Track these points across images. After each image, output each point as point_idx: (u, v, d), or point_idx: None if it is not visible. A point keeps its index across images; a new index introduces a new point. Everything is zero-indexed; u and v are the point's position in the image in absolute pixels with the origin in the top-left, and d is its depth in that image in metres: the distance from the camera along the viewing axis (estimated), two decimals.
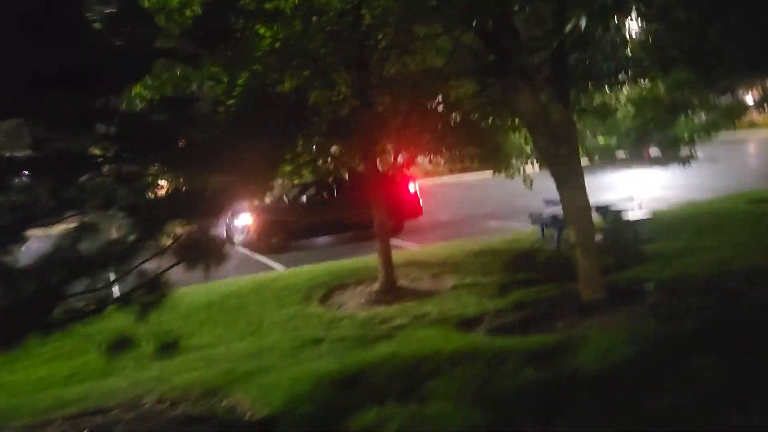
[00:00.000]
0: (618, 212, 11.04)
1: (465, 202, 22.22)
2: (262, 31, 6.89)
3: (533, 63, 5.88)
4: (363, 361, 4.91)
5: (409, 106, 7.91)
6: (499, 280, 8.91)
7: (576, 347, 4.53)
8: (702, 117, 13.90)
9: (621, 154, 33.00)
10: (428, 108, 7.95)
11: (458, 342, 5.26)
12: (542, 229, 11.56)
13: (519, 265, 9.83)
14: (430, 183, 29.94)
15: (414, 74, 7.55)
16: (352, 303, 8.71)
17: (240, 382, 4.86)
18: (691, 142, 18.30)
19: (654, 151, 32.71)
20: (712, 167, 26.71)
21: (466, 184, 29.53)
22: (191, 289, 10.17)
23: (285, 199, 15.26)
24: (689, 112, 12.91)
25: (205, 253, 3.68)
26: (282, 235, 14.96)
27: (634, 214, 11.11)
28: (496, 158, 10.51)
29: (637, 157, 32.14)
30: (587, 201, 6.18)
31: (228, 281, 10.08)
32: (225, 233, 15.23)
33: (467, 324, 6.71)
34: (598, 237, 11.09)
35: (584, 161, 11.59)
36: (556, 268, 9.32)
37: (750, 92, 13.12)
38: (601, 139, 30.88)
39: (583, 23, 4.99)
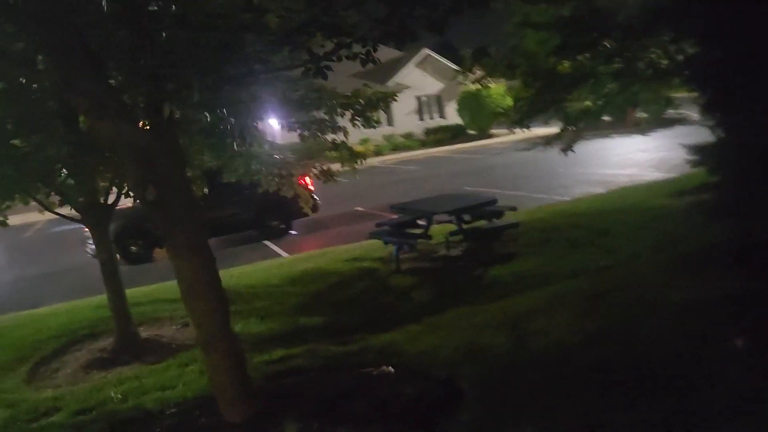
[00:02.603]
0: (471, 219, 8.71)
1: (393, 188, 19.85)
2: None
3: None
4: None
5: None
6: (280, 328, 6.78)
7: None
8: None
9: (607, 118, 30.02)
10: None
11: None
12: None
13: (331, 298, 7.64)
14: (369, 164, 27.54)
15: None
16: (71, 368, 6.64)
17: None
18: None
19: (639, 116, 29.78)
20: (692, 136, 23.72)
21: (418, 159, 26.96)
22: None
23: None
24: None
25: None
26: (143, 243, 12.91)
27: (495, 219, 8.75)
28: None
29: (621, 121, 29.16)
30: (206, 269, 3.94)
31: None
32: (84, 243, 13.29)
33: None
34: (458, 251, 8.88)
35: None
36: (370, 303, 7.19)
37: None
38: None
39: None
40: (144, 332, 7.33)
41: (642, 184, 13.16)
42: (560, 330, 4.94)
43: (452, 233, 8.74)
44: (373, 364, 5.15)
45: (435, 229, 9.28)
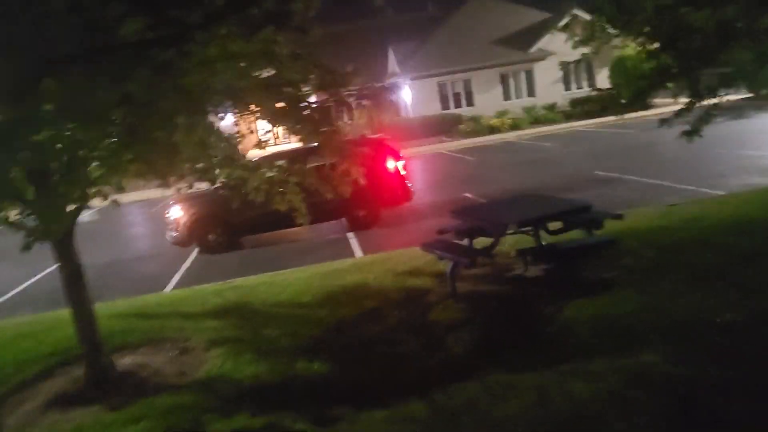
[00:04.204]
0: (564, 227, 6.56)
1: (517, 169, 17.46)
2: None
3: None
4: None
5: None
6: (270, 376, 5.32)
7: None
8: None
9: None
10: None
11: None
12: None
13: (352, 334, 6.00)
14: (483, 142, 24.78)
15: None
16: (34, 404, 5.66)
17: None
18: None
19: None
20: None
21: (559, 134, 23.69)
22: None
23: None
24: None
25: None
26: (221, 231, 12.08)
27: (587, 231, 6.53)
28: None
29: None
30: None
31: None
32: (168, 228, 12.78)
33: None
34: (539, 271, 6.77)
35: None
36: (392, 349, 5.46)
37: None
38: None
39: None
40: (131, 359, 6.21)
41: None
42: None
43: (520, 252, 6.63)
44: None
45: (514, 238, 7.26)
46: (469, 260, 6.30)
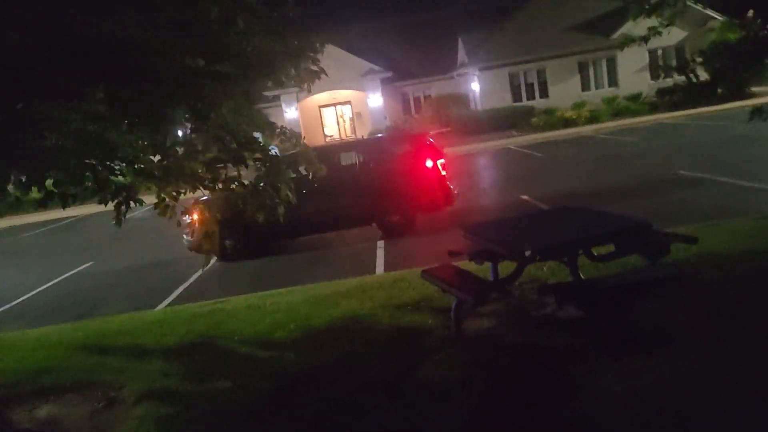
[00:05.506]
0: (617, 251, 4.81)
1: (588, 167, 15.31)
2: None
3: None
4: None
5: None
6: None
7: None
8: None
9: None
10: None
11: None
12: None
13: (318, 390, 4.53)
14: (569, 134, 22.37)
15: None
16: None
17: None
18: None
19: None
20: None
21: (642, 127, 21.01)
22: None
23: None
24: None
25: None
26: (239, 237, 10.89)
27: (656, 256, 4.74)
28: None
29: None
30: None
31: None
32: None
33: None
34: (573, 312, 5.03)
35: None
36: None
37: None
38: None
39: None
40: (47, 411, 4.99)
41: None
42: None
43: (544, 288, 4.90)
44: None
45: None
46: (475, 298, 4.67)
